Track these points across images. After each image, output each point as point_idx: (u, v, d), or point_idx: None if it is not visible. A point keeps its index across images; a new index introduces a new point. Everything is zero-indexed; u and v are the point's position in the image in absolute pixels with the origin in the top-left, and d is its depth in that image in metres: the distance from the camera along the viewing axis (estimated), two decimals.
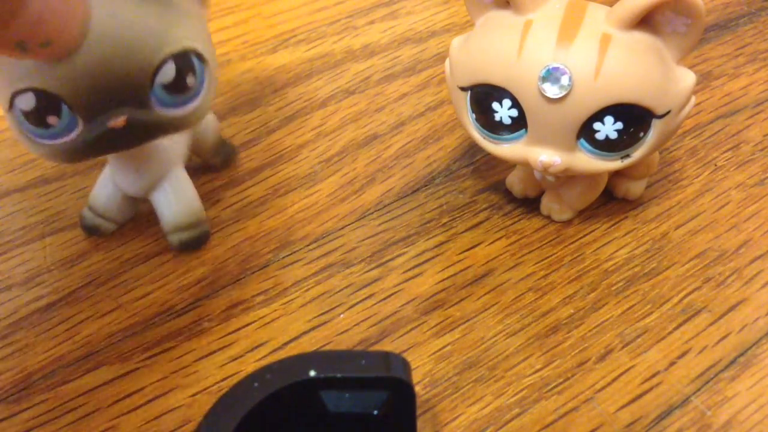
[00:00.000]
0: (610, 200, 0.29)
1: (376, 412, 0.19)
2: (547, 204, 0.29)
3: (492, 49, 0.24)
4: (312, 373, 0.19)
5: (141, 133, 0.22)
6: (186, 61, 0.22)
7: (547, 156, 0.25)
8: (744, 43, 0.38)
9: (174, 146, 0.26)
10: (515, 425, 0.22)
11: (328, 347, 0.24)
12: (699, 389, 0.23)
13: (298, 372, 0.19)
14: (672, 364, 0.24)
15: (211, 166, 0.30)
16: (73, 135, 0.21)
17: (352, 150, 0.32)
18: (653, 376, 0.23)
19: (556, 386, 0.23)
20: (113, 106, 0.21)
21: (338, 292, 0.26)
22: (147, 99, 0.21)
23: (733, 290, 0.26)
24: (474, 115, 0.26)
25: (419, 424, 0.22)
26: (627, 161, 0.25)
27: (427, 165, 0.31)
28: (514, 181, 0.29)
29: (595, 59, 0.23)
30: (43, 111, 0.21)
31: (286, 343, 0.25)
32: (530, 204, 0.29)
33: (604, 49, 0.23)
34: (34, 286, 0.26)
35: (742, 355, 0.24)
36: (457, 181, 0.30)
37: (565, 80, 0.23)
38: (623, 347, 0.24)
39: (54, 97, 0.20)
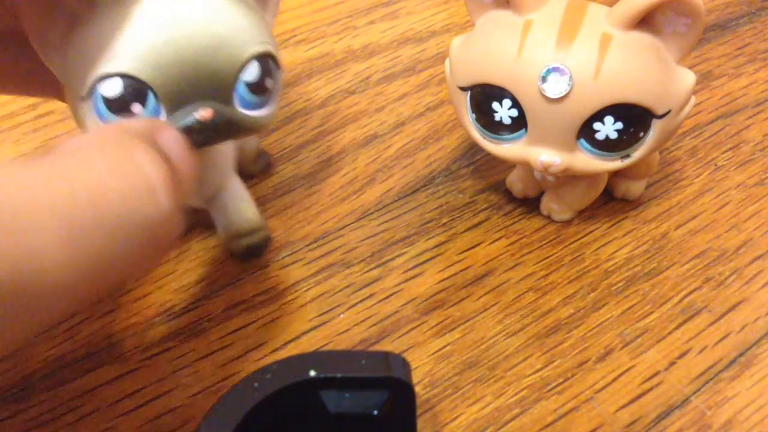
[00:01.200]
0: (610, 200, 0.29)
1: (376, 412, 0.19)
2: (547, 204, 0.29)
3: (492, 49, 0.24)
4: (312, 373, 0.19)
5: (222, 130, 0.22)
6: (267, 64, 0.22)
7: (547, 156, 0.25)
8: (744, 43, 0.38)
9: (229, 154, 0.26)
10: (515, 425, 0.22)
11: (328, 347, 0.25)
12: (699, 389, 0.23)
13: (298, 372, 0.19)
14: (672, 364, 0.24)
15: (248, 174, 0.30)
16: None
17: (352, 150, 0.32)
18: (653, 376, 0.23)
19: (556, 386, 0.23)
20: (199, 98, 0.21)
21: (338, 292, 0.26)
22: (231, 95, 0.21)
23: (733, 290, 0.26)
24: (474, 115, 0.26)
25: (419, 424, 0.22)
26: (627, 161, 0.25)
27: (427, 165, 0.31)
28: (514, 181, 0.29)
29: (595, 59, 0.23)
30: (129, 97, 0.20)
31: (286, 343, 0.25)
32: (530, 204, 0.29)
33: (604, 49, 0.23)
34: None
35: (742, 355, 0.24)
36: (457, 181, 0.30)
37: (565, 80, 0.23)
38: (623, 347, 0.24)
39: (142, 83, 0.20)
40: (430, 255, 0.27)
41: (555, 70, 0.23)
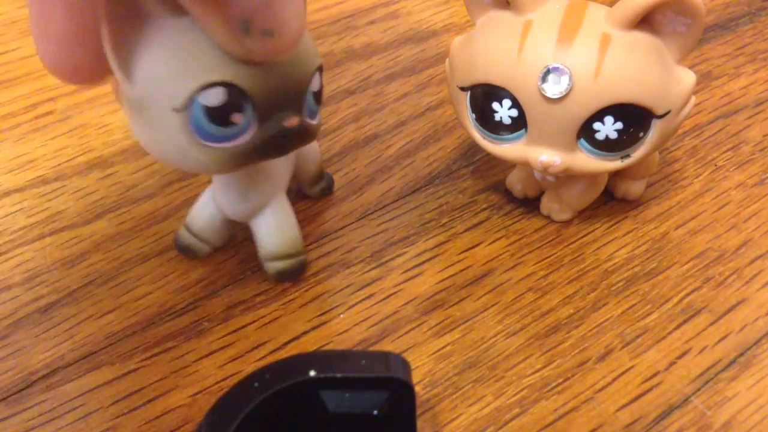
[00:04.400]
0: (610, 200, 0.29)
1: (376, 412, 0.19)
2: (546, 204, 0.29)
3: (492, 49, 0.24)
4: (312, 373, 0.19)
5: (300, 138, 0.22)
6: (322, 74, 0.22)
7: (547, 156, 0.25)
8: (744, 43, 0.38)
9: (279, 172, 0.26)
10: (515, 425, 0.22)
11: (328, 347, 0.25)
12: (699, 389, 0.23)
13: (298, 372, 0.19)
14: (672, 364, 0.24)
15: (308, 195, 0.30)
16: (247, 136, 0.21)
17: (352, 150, 0.32)
18: (653, 376, 0.23)
19: (556, 386, 0.23)
20: (282, 108, 0.21)
21: (338, 292, 0.26)
22: (303, 104, 0.21)
23: (733, 290, 0.26)
24: (474, 115, 0.26)
25: (419, 424, 0.22)
26: (627, 161, 0.25)
27: (427, 165, 0.31)
28: (514, 181, 0.29)
29: (594, 59, 0.23)
30: (230, 107, 0.20)
31: (286, 343, 0.25)
32: (530, 204, 0.29)
33: (604, 49, 0.23)
34: (34, 286, 0.26)
35: (742, 355, 0.24)
36: (457, 181, 0.30)
37: (564, 80, 0.23)
38: (623, 347, 0.24)
39: (244, 93, 0.20)
40: (430, 255, 0.27)
41: (555, 70, 0.23)
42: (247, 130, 0.21)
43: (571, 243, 0.28)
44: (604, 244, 0.28)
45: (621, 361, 0.24)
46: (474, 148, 0.32)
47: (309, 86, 0.21)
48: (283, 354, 0.24)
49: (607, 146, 0.24)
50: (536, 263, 0.27)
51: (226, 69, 0.19)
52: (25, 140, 0.33)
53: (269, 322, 0.25)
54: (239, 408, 0.18)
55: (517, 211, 0.29)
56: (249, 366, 0.24)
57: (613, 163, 0.25)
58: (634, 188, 0.29)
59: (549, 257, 0.27)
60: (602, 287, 0.26)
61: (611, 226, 0.28)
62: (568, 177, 0.27)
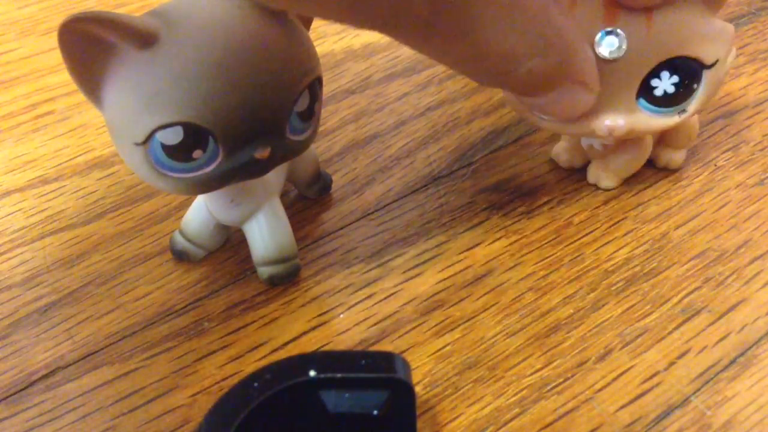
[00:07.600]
0: (610, 199, 0.29)
1: (376, 412, 0.19)
2: (594, 172, 0.29)
3: None
4: (312, 373, 0.19)
5: (275, 161, 0.22)
6: (315, 88, 0.22)
7: (611, 120, 0.25)
8: (744, 43, 0.38)
9: (271, 177, 0.25)
10: (515, 425, 0.22)
11: (328, 347, 0.25)
12: (699, 389, 0.23)
13: (298, 372, 0.19)
14: (672, 364, 0.24)
15: (306, 196, 0.30)
16: (212, 167, 0.21)
17: (352, 150, 0.32)
18: (653, 376, 0.23)
19: (556, 386, 0.23)
20: (257, 137, 0.21)
21: (338, 292, 0.26)
22: (284, 127, 0.21)
23: (733, 290, 0.26)
24: None
25: (419, 424, 0.22)
26: (684, 116, 0.26)
27: (427, 165, 0.31)
28: (560, 151, 0.30)
29: (644, 18, 0.24)
30: (190, 146, 0.20)
31: (286, 343, 0.25)
32: (530, 204, 0.29)
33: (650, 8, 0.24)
34: (34, 286, 0.26)
35: (742, 355, 0.24)
36: (457, 181, 0.30)
37: (619, 41, 0.24)
38: (623, 347, 0.24)
39: (204, 131, 0.20)
40: (430, 255, 0.27)
41: (609, 33, 0.24)
42: (210, 163, 0.21)
43: (571, 243, 0.28)
44: (604, 244, 0.28)
45: (621, 361, 0.24)
46: (474, 148, 0.32)
47: (292, 109, 0.21)
48: (283, 354, 0.24)
49: (665, 102, 0.25)
50: (536, 263, 0.27)
51: (185, 108, 0.19)
52: (25, 140, 0.33)
53: (269, 322, 0.25)
54: (239, 408, 0.18)
55: (517, 211, 0.29)
56: (249, 366, 0.24)
57: (672, 119, 0.26)
58: (676, 157, 0.30)
59: (549, 257, 0.27)
60: (602, 287, 0.26)
61: (611, 226, 0.28)
62: (616, 145, 0.28)
